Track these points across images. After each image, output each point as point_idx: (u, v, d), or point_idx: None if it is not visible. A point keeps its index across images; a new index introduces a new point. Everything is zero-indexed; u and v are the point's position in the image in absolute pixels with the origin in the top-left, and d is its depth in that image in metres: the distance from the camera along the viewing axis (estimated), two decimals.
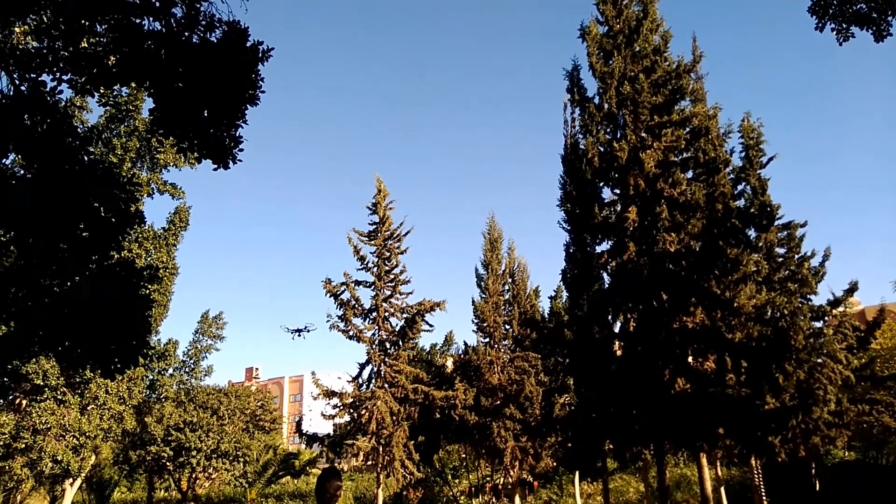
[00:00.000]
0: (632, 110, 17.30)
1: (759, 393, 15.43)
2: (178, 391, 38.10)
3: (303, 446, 42.57)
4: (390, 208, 29.17)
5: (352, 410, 27.10)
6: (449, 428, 27.70)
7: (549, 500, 39.67)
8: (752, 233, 18.80)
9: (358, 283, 28.31)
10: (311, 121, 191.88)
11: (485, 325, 29.77)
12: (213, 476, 42.91)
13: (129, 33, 5.63)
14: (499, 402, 27.33)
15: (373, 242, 28.69)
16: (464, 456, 35.73)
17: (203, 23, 6.00)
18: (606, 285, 17.71)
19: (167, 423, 37.25)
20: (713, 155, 17.13)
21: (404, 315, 28.27)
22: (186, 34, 5.92)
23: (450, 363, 35.15)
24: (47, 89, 5.35)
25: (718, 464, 26.79)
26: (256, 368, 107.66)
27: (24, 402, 22.12)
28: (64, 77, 5.29)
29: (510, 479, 29.02)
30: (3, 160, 5.42)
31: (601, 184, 18.09)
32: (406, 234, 29.10)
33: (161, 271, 23.24)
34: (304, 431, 27.93)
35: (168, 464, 37.87)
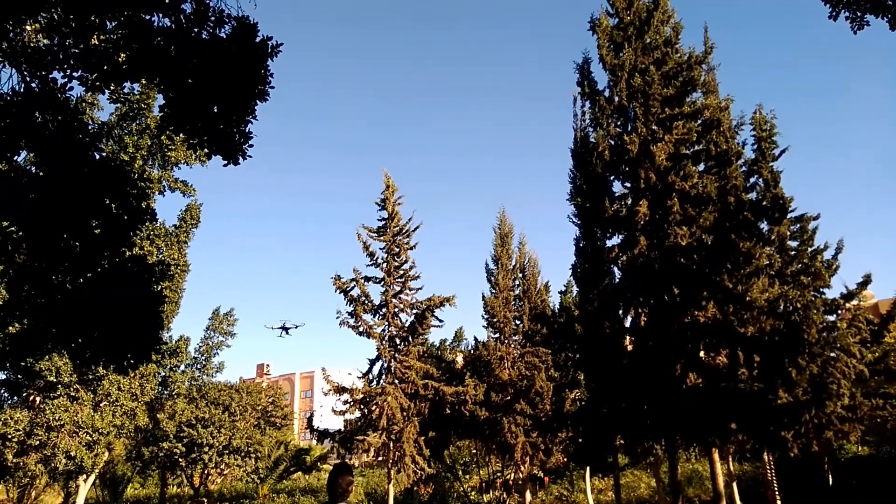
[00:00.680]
0: (642, 103, 17.17)
1: (771, 387, 15.32)
2: (190, 388, 38.32)
3: (314, 442, 42.83)
4: (399, 204, 29.17)
5: (362, 406, 27.14)
6: (459, 423, 27.70)
7: (560, 496, 39.63)
8: (764, 226, 18.63)
9: (367, 278, 28.35)
10: (318, 115, 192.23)
11: (495, 320, 29.72)
12: (224, 472, 43.16)
13: (139, 30, 5.63)
14: (509, 397, 27.30)
15: (382, 238, 28.69)
16: (474, 451, 35.73)
17: (212, 19, 5.98)
18: (617, 280, 17.62)
19: (179, 419, 37.48)
20: (725, 147, 16.98)
21: (414, 311, 28.28)
22: (196, 30, 5.91)
23: (460, 359, 35.13)
24: (58, 86, 5.35)
25: (731, 459, 26.65)
26: (267, 365, 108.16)
27: (37, 399, 22.31)
28: (74, 74, 5.29)
29: (521, 475, 29.00)
30: (15, 157, 5.43)
31: (612, 177, 17.97)
32: (415, 229, 29.11)
33: (173, 268, 23.34)
34: (315, 427, 28.01)
35: (180, 460, 38.11)
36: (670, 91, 17.14)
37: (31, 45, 5.27)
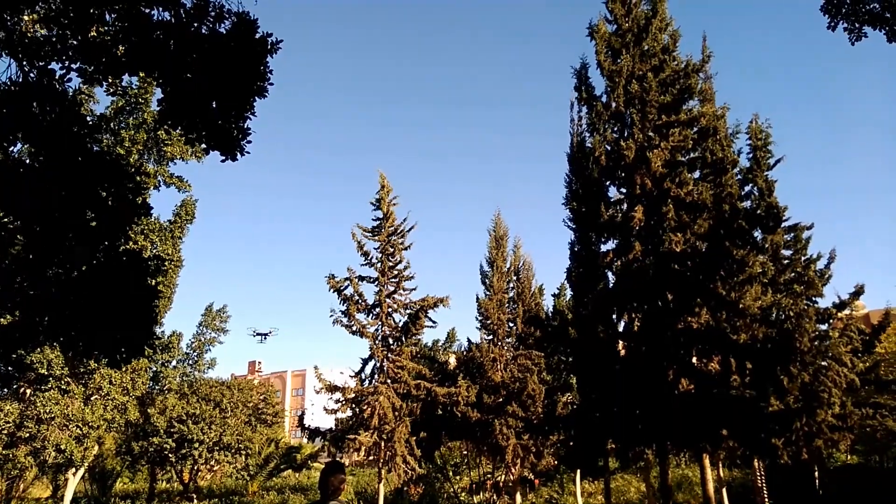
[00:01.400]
0: (639, 109, 17.21)
1: (763, 395, 15.37)
2: (182, 383, 38.23)
3: (305, 440, 42.76)
4: (394, 204, 29.17)
5: (354, 405, 27.11)
6: (451, 425, 27.70)
7: (550, 499, 39.63)
8: (758, 234, 18.74)
9: (361, 278, 28.33)
10: (313, 115, 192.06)
11: (488, 322, 29.75)
12: (215, 468, 43.09)
13: (138, 23, 5.62)
14: (501, 399, 27.32)
15: (376, 238, 28.68)
16: (465, 453, 35.73)
17: (212, 14, 5.97)
18: (611, 284, 17.64)
19: (170, 414, 37.37)
20: (721, 155, 17.04)
21: (407, 311, 28.29)
22: (196, 25, 5.90)
23: (452, 360, 35.15)
24: (56, 77, 5.34)
25: (721, 465, 26.74)
26: (259, 362, 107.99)
27: (28, 391, 22.21)
28: (73, 66, 5.28)
29: (511, 477, 29.02)
30: (11, 148, 5.41)
31: (608, 182, 18.00)
32: (410, 230, 29.11)
33: (167, 263, 23.27)
34: (306, 425, 27.97)
35: (170, 455, 37.98)
36: (667, 98, 17.19)
37: (29, 34, 5.25)
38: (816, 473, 24.26)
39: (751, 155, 23.11)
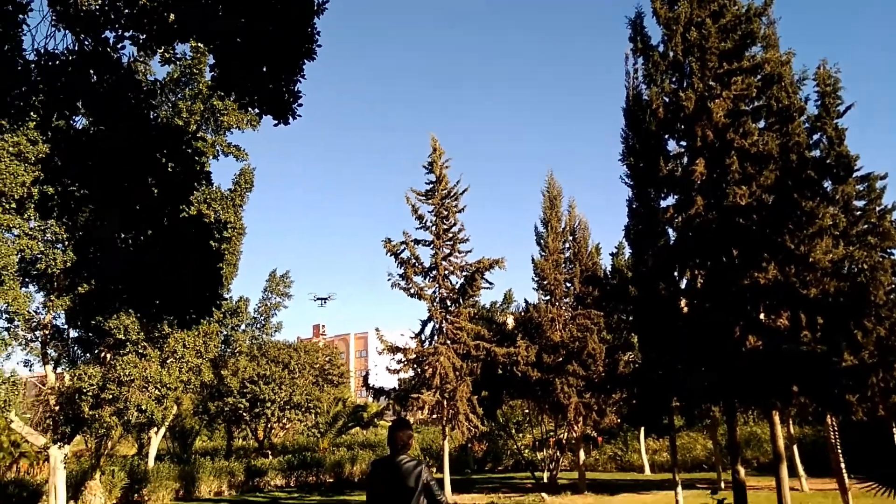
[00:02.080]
0: (699, 57, 16.46)
1: (835, 350, 14.82)
2: (251, 346, 39.75)
3: (370, 399, 44.02)
4: (446, 167, 29.09)
5: (415, 365, 27.63)
6: (511, 384, 27.91)
7: (613, 455, 39.74)
8: (828, 185, 17.79)
9: (417, 241, 28.55)
10: (360, 79, 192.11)
11: (545, 282, 29.58)
12: (287, 426, 44.94)
13: None
14: (561, 358, 27.28)
15: (430, 202, 28.75)
16: (527, 411, 36.04)
17: None
18: (672, 241, 17.21)
19: (242, 375, 39.05)
20: (787, 103, 16.17)
21: (464, 273, 28.40)
22: None
23: (510, 321, 35.22)
24: (110, 46, 5.49)
25: (791, 422, 26.10)
26: (323, 325, 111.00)
27: (108, 355, 23.55)
28: (125, 34, 5.41)
29: (574, 434, 29.14)
30: (73, 118, 5.63)
31: (666, 136, 17.38)
32: (463, 192, 29.04)
33: (229, 230, 23.98)
34: (370, 385, 28.73)
35: (245, 414, 39.84)
36: (728, 45, 16.35)
37: (84, 7, 5.40)
38: (895, 429, 23.37)
39: (818, 102, 21.77)
